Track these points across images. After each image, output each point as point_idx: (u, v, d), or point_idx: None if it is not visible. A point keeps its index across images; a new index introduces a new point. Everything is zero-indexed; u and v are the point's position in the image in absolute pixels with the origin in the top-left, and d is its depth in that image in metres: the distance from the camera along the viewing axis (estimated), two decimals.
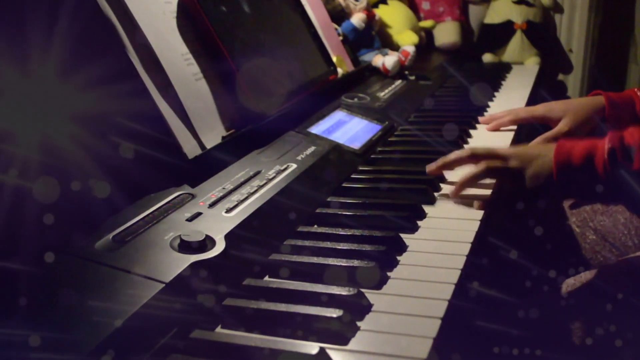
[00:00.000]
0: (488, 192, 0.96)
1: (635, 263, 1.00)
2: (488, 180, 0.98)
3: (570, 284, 1.00)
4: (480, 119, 1.39)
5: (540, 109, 1.35)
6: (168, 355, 0.56)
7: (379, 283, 0.70)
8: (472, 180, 0.95)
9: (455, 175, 0.99)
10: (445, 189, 0.99)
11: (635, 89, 1.30)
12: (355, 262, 0.71)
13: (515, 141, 1.32)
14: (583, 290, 0.98)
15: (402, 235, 0.80)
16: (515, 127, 1.35)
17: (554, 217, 1.26)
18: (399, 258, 0.76)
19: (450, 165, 1.00)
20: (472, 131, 1.32)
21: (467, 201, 0.93)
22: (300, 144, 1.04)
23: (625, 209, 1.15)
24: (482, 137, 1.30)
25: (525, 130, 1.45)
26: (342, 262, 0.71)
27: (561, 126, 1.28)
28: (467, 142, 1.25)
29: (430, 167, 1.00)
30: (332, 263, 0.72)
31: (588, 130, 1.30)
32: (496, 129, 1.34)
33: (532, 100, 1.62)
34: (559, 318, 0.94)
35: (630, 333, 0.89)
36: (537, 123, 1.34)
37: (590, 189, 0.91)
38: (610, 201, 1.09)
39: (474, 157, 0.97)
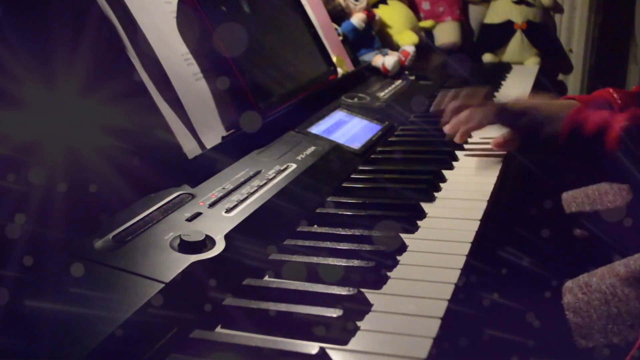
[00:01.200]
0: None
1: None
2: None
3: (568, 287, 1.00)
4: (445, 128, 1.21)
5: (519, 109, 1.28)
6: (168, 355, 0.56)
7: (399, 249, 0.74)
8: (481, 119, 0.99)
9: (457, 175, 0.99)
10: (446, 188, 0.99)
11: (610, 90, 1.20)
12: (355, 262, 0.71)
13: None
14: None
15: (402, 235, 0.80)
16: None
17: (556, 220, 1.26)
18: (399, 258, 0.76)
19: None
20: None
21: (468, 202, 0.93)
22: (300, 144, 1.04)
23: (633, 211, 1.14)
24: (482, 137, 1.29)
25: None
26: (342, 262, 0.71)
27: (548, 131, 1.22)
28: (467, 142, 1.25)
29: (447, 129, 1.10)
30: (332, 263, 0.72)
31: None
32: (462, 139, 1.19)
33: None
34: (560, 321, 0.94)
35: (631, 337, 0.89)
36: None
37: (594, 162, 0.90)
38: (613, 179, 1.08)
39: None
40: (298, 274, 0.71)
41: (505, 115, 0.97)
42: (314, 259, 0.73)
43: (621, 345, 0.90)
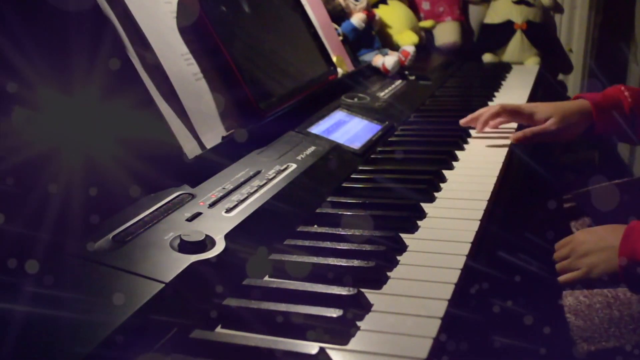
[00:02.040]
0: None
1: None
2: None
3: (569, 290, 1.00)
4: (460, 122, 1.32)
5: (526, 108, 1.30)
6: (168, 355, 0.56)
7: (399, 249, 0.77)
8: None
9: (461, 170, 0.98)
10: (446, 188, 0.99)
11: (622, 87, 1.27)
12: (355, 262, 0.71)
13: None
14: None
15: (402, 235, 0.80)
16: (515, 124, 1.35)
17: (557, 221, 1.26)
18: (399, 258, 0.76)
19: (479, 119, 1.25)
20: (472, 131, 1.32)
21: (468, 202, 0.93)
22: (300, 144, 1.04)
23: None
24: (482, 137, 1.30)
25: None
26: (342, 262, 0.71)
27: (548, 125, 1.25)
28: (467, 142, 1.25)
29: (462, 121, 1.26)
30: (332, 263, 0.72)
31: (576, 134, 1.29)
32: (484, 128, 1.30)
33: (532, 100, 1.62)
34: (559, 320, 0.94)
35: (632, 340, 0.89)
36: (521, 122, 1.31)
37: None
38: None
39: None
40: (299, 272, 0.71)
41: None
42: (314, 259, 0.73)
43: (623, 349, 0.90)
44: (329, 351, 0.57)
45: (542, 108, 1.28)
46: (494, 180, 1.02)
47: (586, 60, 2.46)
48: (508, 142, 1.25)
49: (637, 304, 0.92)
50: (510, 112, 1.29)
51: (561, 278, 1.02)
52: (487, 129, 1.31)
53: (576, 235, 1.07)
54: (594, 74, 2.64)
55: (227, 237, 0.72)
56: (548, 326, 0.92)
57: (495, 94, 1.71)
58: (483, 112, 1.30)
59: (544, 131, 1.25)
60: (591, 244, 1.00)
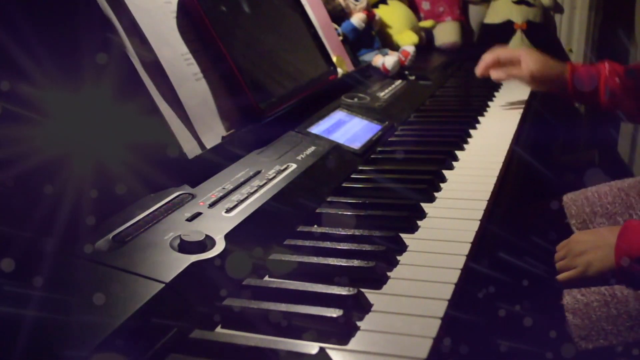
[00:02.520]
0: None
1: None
2: None
3: (568, 289, 1.00)
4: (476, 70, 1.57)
5: (520, 52, 1.50)
6: (168, 355, 0.56)
7: (399, 249, 0.76)
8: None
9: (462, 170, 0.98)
10: (446, 188, 0.99)
11: (606, 62, 1.40)
12: (355, 262, 0.71)
13: (518, 135, 1.32)
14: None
15: (402, 235, 0.80)
16: (517, 121, 1.39)
17: (555, 218, 1.26)
18: (399, 258, 0.76)
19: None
20: (472, 131, 1.32)
21: (468, 202, 0.93)
22: (300, 144, 1.04)
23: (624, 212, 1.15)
24: (482, 137, 1.30)
25: (529, 122, 1.46)
26: (342, 262, 0.71)
27: (523, 71, 1.45)
28: (467, 142, 1.25)
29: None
30: (332, 263, 0.72)
31: (548, 89, 1.49)
32: (483, 73, 1.54)
33: (533, 100, 1.62)
34: (559, 320, 0.94)
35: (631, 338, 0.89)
36: (513, 62, 1.49)
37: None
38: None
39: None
40: (298, 274, 0.71)
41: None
42: (314, 259, 0.73)
43: (621, 346, 0.90)
44: (329, 351, 0.57)
45: (531, 57, 1.47)
46: (494, 180, 1.02)
47: (586, 60, 2.46)
48: (511, 135, 1.27)
49: (634, 302, 0.92)
50: (505, 60, 1.51)
51: (560, 277, 1.03)
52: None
53: (573, 236, 1.08)
54: None
55: (227, 237, 0.72)
56: (548, 326, 0.93)
57: (495, 94, 1.71)
58: (484, 60, 1.54)
59: (520, 75, 1.46)
60: (588, 243, 1.02)
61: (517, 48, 1.58)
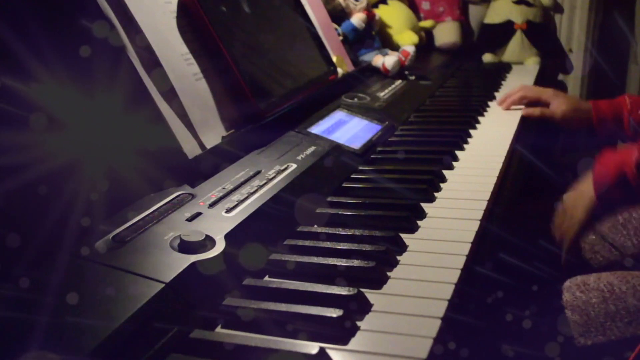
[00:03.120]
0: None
1: (627, 264, 1.01)
2: None
3: (566, 286, 1.00)
4: (497, 100, 1.60)
5: (549, 93, 1.54)
6: (168, 355, 0.56)
7: (399, 249, 0.76)
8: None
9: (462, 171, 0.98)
10: (446, 188, 0.99)
11: (626, 96, 1.46)
12: (355, 262, 0.71)
13: (518, 135, 1.32)
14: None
15: (402, 235, 0.80)
16: (517, 121, 1.40)
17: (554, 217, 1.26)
18: (399, 258, 0.76)
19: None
20: (472, 131, 1.32)
21: (468, 202, 0.93)
22: (300, 144, 1.04)
23: (624, 209, 1.16)
24: (482, 137, 1.30)
25: (529, 122, 1.47)
26: (342, 262, 0.71)
27: (556, 111, 1.49)
28: (467, 142, 1.25)
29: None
30: (332, 263, 0.72)
31: (575, 129, 1.52)
32: (508, 107, 1.54)
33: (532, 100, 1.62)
34: (558, 319, 0.94)
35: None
36: (540, 102, 1.53)
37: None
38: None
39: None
40: (298, 274, 0.71)
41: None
42: (314, 259, 0.73)
43: (619, 342, 0.90)
44: (329, 351, 0.57)
45: (561, 97, 1.53)
46: (494, 180, 1.02)
47: (586, 60, 2.46)
48: (510, 138, 1.27)
49: (632, 298, 0.92)
50: (532, 98, 1.54)
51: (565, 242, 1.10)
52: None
53: (564, 199, 1.17)
54: (594, 74, 2.64)
55: (227, 237, 0.72)
56: (548, 325, 0.93)
57: (495, 94, 1.71)
58: (510, 95, 1.56)
59: (553, 115, 1.49)
60: (573, 193, 1.11)
61: (545, 89, 1.58)
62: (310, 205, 0.89)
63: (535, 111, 1.51)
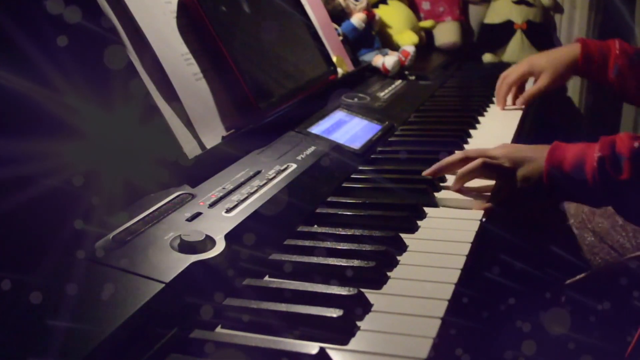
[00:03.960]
0: (489, 185, 0.97)
1: (631, 265, 1.00)
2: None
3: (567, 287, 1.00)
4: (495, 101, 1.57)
5: (524, 67, 1.50)
6: (168, 355, 0.56)
7: (399, 249, 0.76)
8: (468, 174, 0.96)
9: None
10: (446, 189, 0.99)
11: (617, 41, 1.41)
12: (355, 262, 0.71)
13: (518, 135, 1.32)
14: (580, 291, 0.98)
15: (402, 235, 0.80)
16: (517, 121, 1.39)
17: (553, 218, 1.26)
18: (399, 258, 0.76)
19: (445, 170, 1.00)
20: (472, 131, 1.32)
21: (468, 203, 0.93)
22: (300, 144, 1.04)
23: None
24: (482, 137, 1.30)
25: (529, 122, 1.47)
26: (342, 262, 0.71)
27: (541, 83, 1.46)
28: (467, 142, 1.25)
29: (426, 172, 1.00)
30: (332, 263, 0.72)
31: (567, 79, 1.52)
32: (504, 106, 1.52)
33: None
34: (557, 319, 0.94)
35: (629, 336, 0.89)
36: (525, 78, 1.53)
37: (580, 195, 0.92)
38: (600, 206, 1.10)
39: (467, 159, 0.98)
40: (298, 274, 0.71)
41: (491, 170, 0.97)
42: (314, 259, 0.73)
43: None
44: (329, 351, 0.57)
45: (536, 62, 1.49)
46: (494, 180, 1.02)
47: None
48: (511, 136, 1.27)
49: (632, 300, 0.92)
50: (515, 80, 1.51)
51: (495, 199, 0.95)
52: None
53: (497, 148, 1.00)
54: None
55: (227, 237, 0.72)
56: (548, 324, 0.93)
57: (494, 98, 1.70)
58: (499, 93, 1.53)
59: (539, 91, 1.47)
60: (526, 152, 0.97)
61: (521, 63, 1.55)
62: (310, 205, 0.89)
63: (526, 99, 1.49)
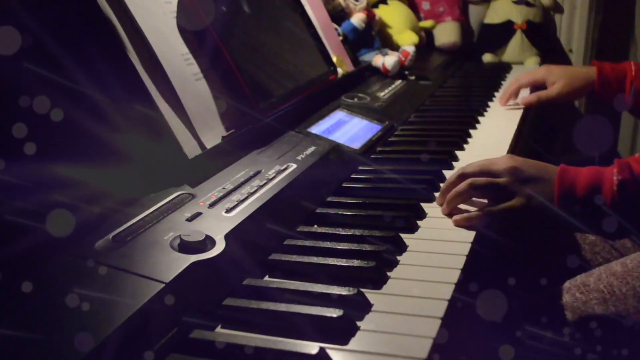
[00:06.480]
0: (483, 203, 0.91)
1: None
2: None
3: (566, 287, 1.00)
4: (498, 99, 1.59)
5: (540, 72, 1.53)
6: (168, 355, 0.56)
7: (399, 249, 0.76)
8: (456, 198, 0.90)
9: None
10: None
11: (632, 63, 1.42)
12: (355, 262, 0.71)
13: (518, 135, 1.32)
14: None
15: (402, 235, 0.80)
16: (517, 121, 1.39)
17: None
18: (399, 258, 0.76)
19: (452, 195, 0.90)
20: (472, 131, 1.32)
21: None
22: (300, 144, 1.04)
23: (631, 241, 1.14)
24: (482, 137, 1.30)
25: (529, 123, 1.46)
26: (342, 262, 0.71)
27: (553, 90, 1.47)
28: (467, 142, 1.25)
29: (443, 211, 0.91)
30: (332, 263, 0.72)
31: (578, 98, 1.58)
32: (507, 102, 1.54)
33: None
34: (559, 320, 0.94)
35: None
36: (537, 85, 1.53)
37: (592, 222, 0.87)
38: (614, 238, 1.06)
39: (463, 176, 0.91)
40: (298, 274, 0.71)
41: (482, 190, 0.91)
42: (314, 259, 0.73)
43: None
44: (329, 351, 0.57)
45: (554, 71, 1.50)
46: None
47: (586, 60, 2.46)
48: (511, 136, 1.27)
49: (632, 299, 0.92)
50: (528, 83, 1.55)
51: (502, 206, 0.90)
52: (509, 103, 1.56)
53: (517, 162, 0.92)
54: None
55: (227, 237, 0.72)
56: (549, 325, 0.93)
57: (495, 94, 1.71)
58: (507, 91, 1.56)
59: (547, 97, 1.48)
60: (533, 171, 0.91)
61: (538, 69, 1.57)
62: (310, 205, 0.89)
63: (533, 99, 1.49)
